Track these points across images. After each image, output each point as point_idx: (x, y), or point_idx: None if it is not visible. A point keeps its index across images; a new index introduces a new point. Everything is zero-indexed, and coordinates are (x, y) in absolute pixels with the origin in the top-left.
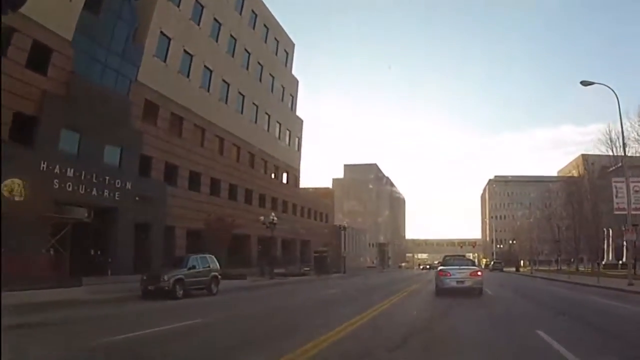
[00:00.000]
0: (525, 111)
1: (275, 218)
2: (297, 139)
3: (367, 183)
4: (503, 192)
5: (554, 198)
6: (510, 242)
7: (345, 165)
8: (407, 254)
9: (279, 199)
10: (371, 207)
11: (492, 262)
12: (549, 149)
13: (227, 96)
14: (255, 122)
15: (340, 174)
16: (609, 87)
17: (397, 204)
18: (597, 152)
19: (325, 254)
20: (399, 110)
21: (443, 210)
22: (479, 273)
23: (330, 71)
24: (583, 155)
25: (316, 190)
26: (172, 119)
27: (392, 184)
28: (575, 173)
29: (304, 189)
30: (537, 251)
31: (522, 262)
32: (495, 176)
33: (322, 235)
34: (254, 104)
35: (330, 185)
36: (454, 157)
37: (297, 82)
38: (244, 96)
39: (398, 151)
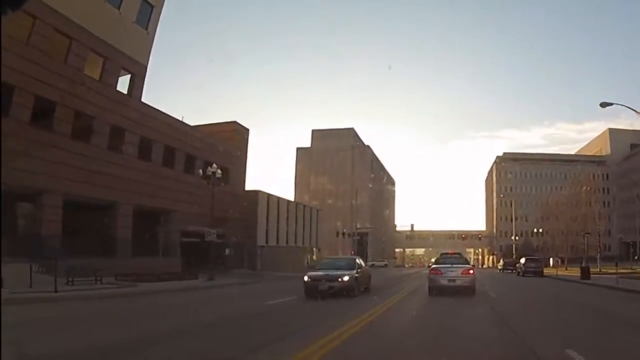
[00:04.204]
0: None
1: None
2: (149, 9)
3: (341, 153)
4: (514, 173)
5: None
6: (536, 231)
7: (314, 131)
8: (397, 249)
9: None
10: (345, 186)
11: (524, 260)
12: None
13: None
14: None
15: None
16: None
17: (383, 186)
18: None
19: (220, 241)
20: (392, 90)
21: (440, 199)
22: (471, 271)
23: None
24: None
25: (206, 126)
26: None
27: (376, 158)
28: (604, 150)
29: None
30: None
31: (551, 259)
32: (505, 153)
33: (217, 206)
34: None
35: (294, 157)
36: (451, 143)
37: None
38: None
39: (389, 136)
